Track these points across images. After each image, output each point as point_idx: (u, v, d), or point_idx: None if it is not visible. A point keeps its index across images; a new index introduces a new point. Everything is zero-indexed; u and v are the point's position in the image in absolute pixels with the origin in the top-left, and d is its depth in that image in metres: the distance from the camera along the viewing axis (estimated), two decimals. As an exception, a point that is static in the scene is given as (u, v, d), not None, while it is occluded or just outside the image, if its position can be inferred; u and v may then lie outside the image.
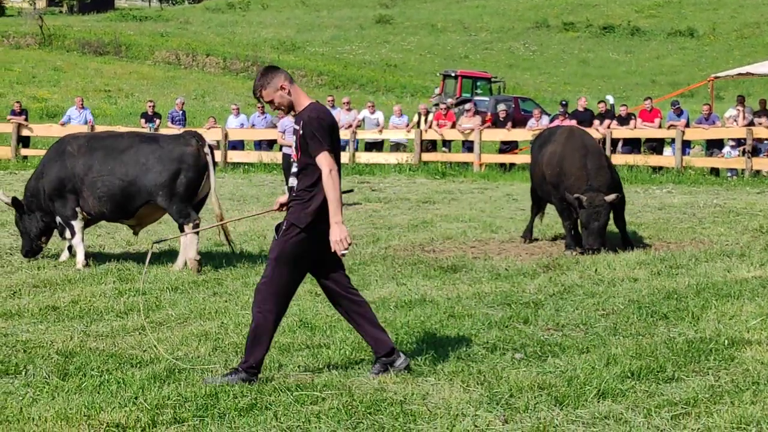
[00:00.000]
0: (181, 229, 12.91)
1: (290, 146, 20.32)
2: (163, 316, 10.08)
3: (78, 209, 13.14)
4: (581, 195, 13.94)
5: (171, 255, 13.51)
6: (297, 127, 7.48)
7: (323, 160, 7.29)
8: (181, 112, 30.94)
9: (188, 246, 12.77)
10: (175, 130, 30.32)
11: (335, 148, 7.44)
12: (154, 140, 13.24)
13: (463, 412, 6.70)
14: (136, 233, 14.10)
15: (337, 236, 7.28)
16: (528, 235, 15.52)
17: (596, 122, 28.32)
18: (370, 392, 7.19)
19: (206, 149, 12.95)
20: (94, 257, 13.54)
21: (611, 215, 14.40)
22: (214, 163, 13.21)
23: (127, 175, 12.83)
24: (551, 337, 8.92)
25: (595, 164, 14.26)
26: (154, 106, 31.57)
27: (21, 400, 7.15)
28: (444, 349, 8.50)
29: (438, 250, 14.52)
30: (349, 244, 7.35)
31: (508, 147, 30.47)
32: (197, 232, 12.72)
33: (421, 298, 10.71)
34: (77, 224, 13.19)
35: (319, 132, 7.30)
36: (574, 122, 26.06)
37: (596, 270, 12.25)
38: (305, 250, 7.47)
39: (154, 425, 6.55)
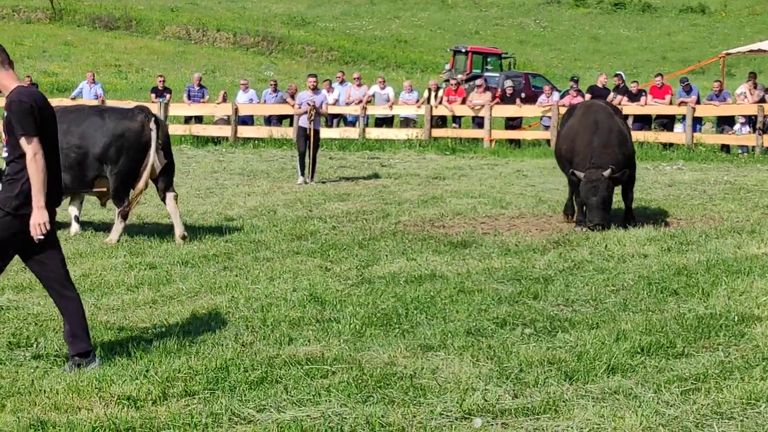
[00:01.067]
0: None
1: (305, 113, 20.54)
2: (174, 290, 10.10)
3: None
4: (577, 171, 13.96)
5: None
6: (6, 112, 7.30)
7: (24, 143, 7.14)
8: (197, 87, 30.86)
9: (116, 228, 13.09)
10: (185, 105, 30.37)
11: (45, 132, 7.27)
12: (103, 114, 13.41)
13: (473, 387, 6.71)
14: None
15: (36, 220, 7.13)
16: (569, 212, 15.28)
17: (611, 96, 28.24)
18: (380, 366, 7.20)
19: (151, 125, 12.94)
20: (106, 231, 13.58)
21: (621, 191, 14.41)
22: (163, 139, 13.20)
23: (79, 148, 13.05)
24: (561, 313, 8.93)
25: (601, 142, 14.16)
26: (164, 81, 31.56)
27: (32, 373, 7.19)
28: (454, 323, 8.51)
29: (448, 225, 14.53)
30: (47, 231, 7.17)
31: (514, 123, 30.40)
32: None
33: (431, 273, 10.72)
34: None
35: (19, 115, 7.12)
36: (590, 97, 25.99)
37: (606, 246, 12.24)
38: (11, 233, 7.29)
39: (165, 398, 6.57)
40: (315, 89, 21.22)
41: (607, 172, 13.78)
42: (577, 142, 14.47)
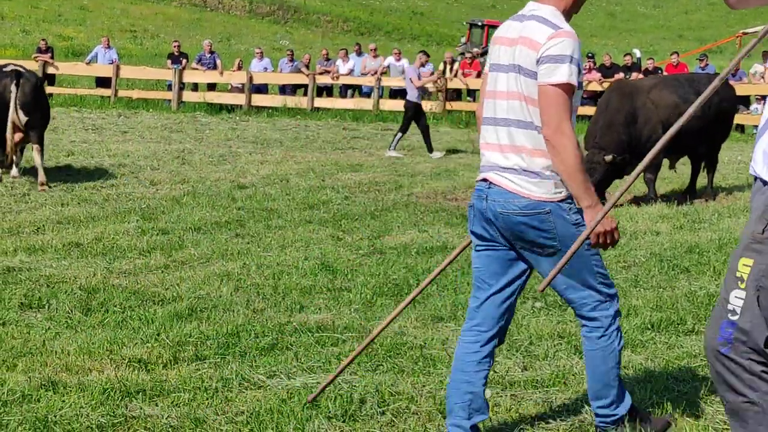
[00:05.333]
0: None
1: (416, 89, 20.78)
2: (186, 255, 10.12)
3: None
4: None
5: (197, 196, 13.62)
6: None
7: None
8: (209, 54, 30.78)
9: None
10: (200, 70, 30.30)
11: None
12: None
13: (483, 358, 6.72)
14: None
15: None
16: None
17: (620, 75, 28.14)
18: (390, 336, 7.22)
19: (12, 87, 13.93)
20: (118, 196, 13.64)
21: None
22: (29, 98, 14.18)
23: None
24: (572, 287, 8.91)
25: (606, 122, 14.06)
26: (179, 46, 31.49)
27: (44, 334, 7.21)
28: (464, 295, 8.50)
29: (460, 198, 14.52)
30: None
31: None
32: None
33: (443, 245, 10.73)
34: None
35: None
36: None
37: (618, 223, 12.20)
38: None
39: (176, 361, 6.60)
40: (422, 65, 22.60)
41: (608, 158, 13.69)
42: (591, 121, 14.56)
